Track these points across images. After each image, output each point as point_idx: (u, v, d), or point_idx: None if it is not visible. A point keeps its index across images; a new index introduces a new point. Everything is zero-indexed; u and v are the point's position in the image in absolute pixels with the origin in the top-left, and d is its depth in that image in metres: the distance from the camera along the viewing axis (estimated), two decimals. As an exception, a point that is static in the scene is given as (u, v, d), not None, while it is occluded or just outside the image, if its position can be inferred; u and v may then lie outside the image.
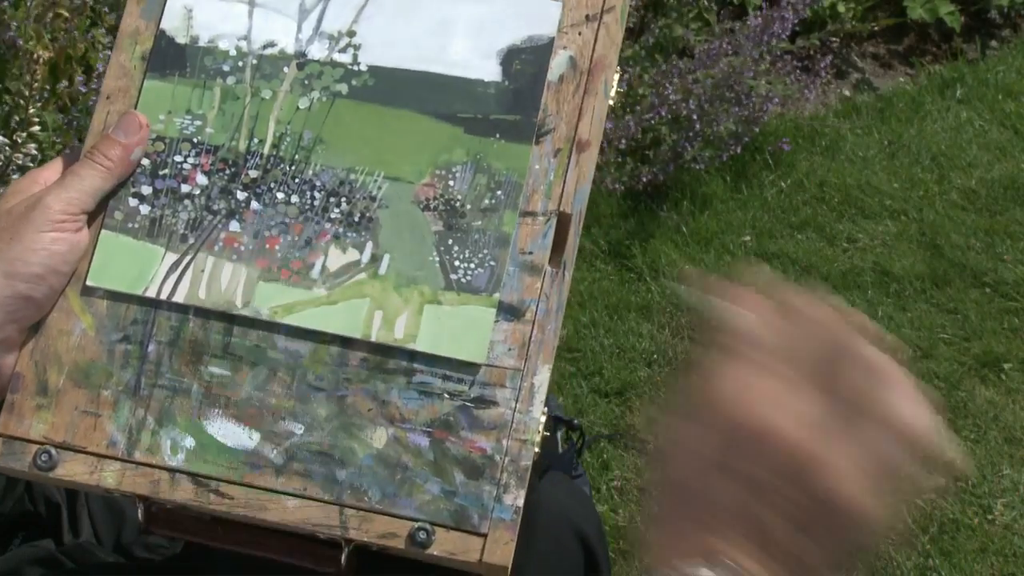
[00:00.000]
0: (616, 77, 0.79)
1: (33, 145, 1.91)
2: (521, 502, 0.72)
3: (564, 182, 0.76)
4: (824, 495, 0.55)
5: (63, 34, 1.98)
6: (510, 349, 0.74)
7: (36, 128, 1.91)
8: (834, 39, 2.85)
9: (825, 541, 0.56)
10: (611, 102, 0.79)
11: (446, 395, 0.74)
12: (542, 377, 0.74)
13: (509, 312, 0.75)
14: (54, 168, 0.78)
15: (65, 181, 0.75)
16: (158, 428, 0.74)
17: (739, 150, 2.47)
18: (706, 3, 2.51)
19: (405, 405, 0.74)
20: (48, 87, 1.95)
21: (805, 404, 0.57)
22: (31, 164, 1.93)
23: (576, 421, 1.88)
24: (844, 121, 2.75)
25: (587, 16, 0.79)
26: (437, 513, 0.72)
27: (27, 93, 1.85)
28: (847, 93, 2.88)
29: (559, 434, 1.86)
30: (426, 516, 0.72)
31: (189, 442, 0.74)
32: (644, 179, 2.43)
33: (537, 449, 0.73)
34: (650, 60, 2.45)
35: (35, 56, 1.83)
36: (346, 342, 0.75)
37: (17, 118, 1.87)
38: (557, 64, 0.79)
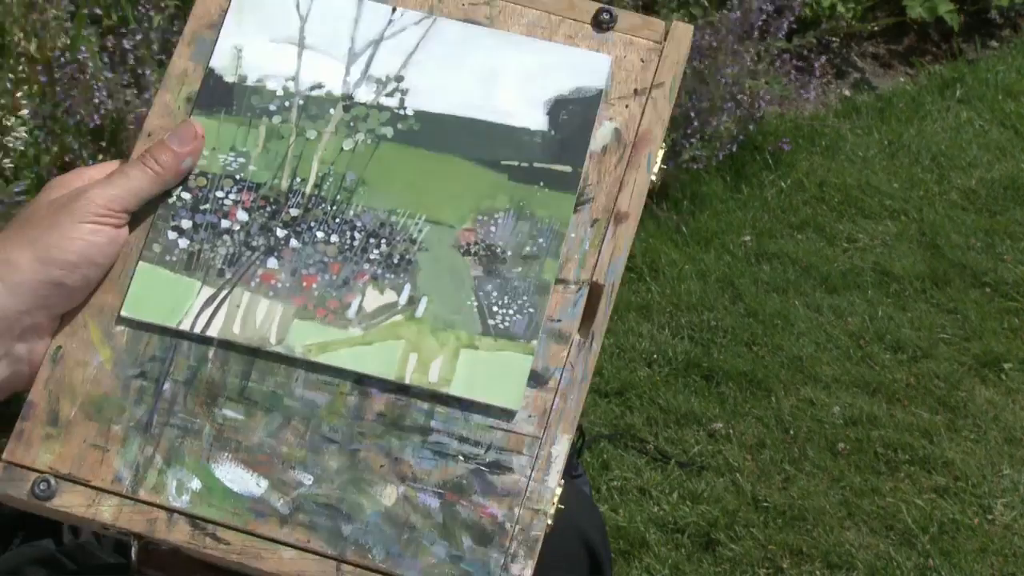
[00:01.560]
0: (661, 153, 0.78)
1: (24, 128, 1.92)
2: (529, 572, 0.70)
3: (599, 253, 0.76)
4: None
5: (42, 28, 1.98)
6: (530, 416, 0.73)
7: (24, 112, 1.91)
8: (833, 39, 2.85)
9: None
10: (653, 177, 0.78)
11: (461, 457, 0.72)
12: (561, 447, 0.72)
13: (532, 379, 0.73)
14: (101, 168, 0.78)
15: (112, 179, 0.76)
16: (165, 467, 0.73)
17: (735, 149, 2.47)
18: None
19: (418, 464, 0.72)
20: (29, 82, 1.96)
21: None
22: (21, 148, 1.94)
23: (576, 421, 1.88)
24: (844, 121, 2.75)
25: (635, 90, 0.79)
26: None
27: (13, 77, 1.86)
28: (847, 93, 2.88)
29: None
30: None
31: (195, 484, 0.73)
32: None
33: (550, 521, 0.72)
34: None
35: (16, 40, 1.84)
36: (364, 395, 0.74)
37: (3, 101, 1.87)
38: (602, 135, 0.78)
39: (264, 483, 0.73)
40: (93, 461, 0.74)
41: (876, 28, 2.93)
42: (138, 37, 2.08)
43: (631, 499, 2.00)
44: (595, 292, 0.75)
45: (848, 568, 1.89)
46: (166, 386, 0.74)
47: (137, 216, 0.77)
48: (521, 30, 0.80)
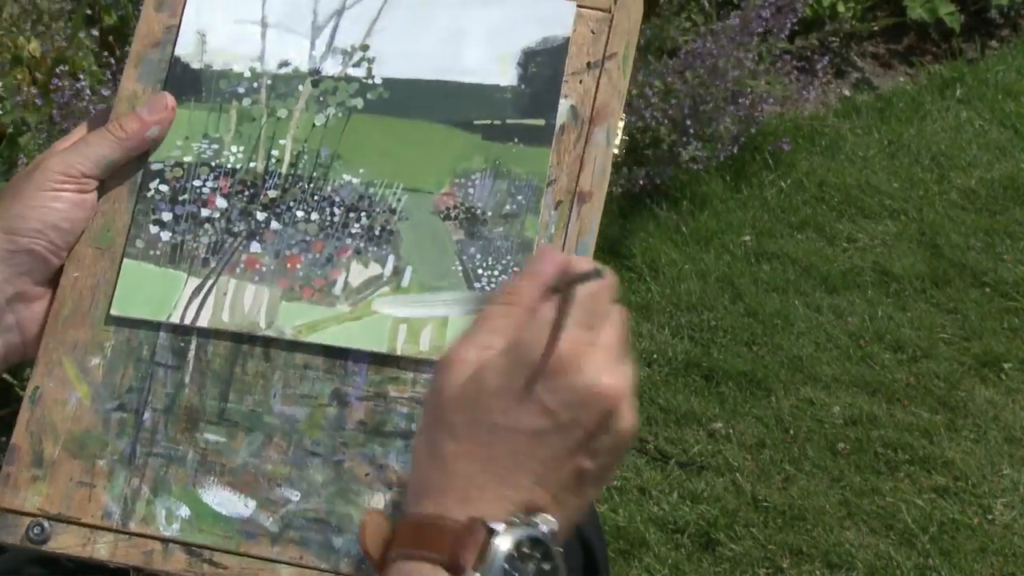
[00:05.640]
0: (620, 125, 0.78)
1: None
2: None
3: (565, 234, 0.75)
4: (622, 433, 0.60)
5: (45, 34, 1.98)
6: None
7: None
8: (834, 39, 2.85)
9: (608, 468, 0.61)
10: (615, 151, 0.77)
11: None
12: None
13: None
14: (70, 138, 0.80)
15: (73, 146, 0.78)
16: (153, 498, 0.74)
17: (736, 150, 2.47)
18: (704, 3, 2.51)
19: (403, 469, 0.72)
20: (27, 84, 1.96)
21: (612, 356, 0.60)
22: (10, 129, 1.93)
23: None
24: (844, 121, 2.75)
25: (588, 63, 0.78)
26: None
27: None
28: (847, 93, 2.87)
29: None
30: None
31: (184, 511, 0.73)
32: (642, 179, 2.43)
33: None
34: (643, 61, 2.45)
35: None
36: (343, 405, 0.74)
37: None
38: (558, 114, 0.77)
39: (252, 503, 0.73)
40: (81, 499, 0.74)
41: (876, 28, 2.93)
42: None
43: (631, 499, 2.00)
44: None
45: (848, 568, 1.89)
46: (146, 416, 0.75)
47: (117, 215, 0.78)
48: None
